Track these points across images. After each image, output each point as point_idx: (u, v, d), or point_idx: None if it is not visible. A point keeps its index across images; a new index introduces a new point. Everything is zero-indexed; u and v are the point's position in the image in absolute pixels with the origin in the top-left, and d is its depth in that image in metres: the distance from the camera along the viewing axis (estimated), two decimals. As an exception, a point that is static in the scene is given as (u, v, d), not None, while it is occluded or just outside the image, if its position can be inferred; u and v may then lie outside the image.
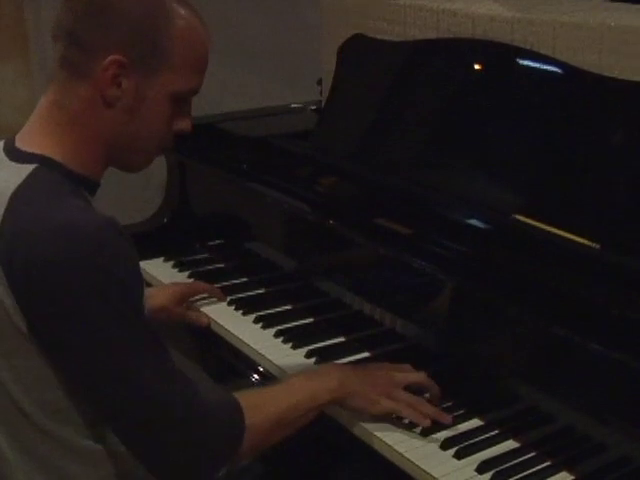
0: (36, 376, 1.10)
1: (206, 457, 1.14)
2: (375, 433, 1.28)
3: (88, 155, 1.17)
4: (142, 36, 1.12)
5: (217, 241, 1.97)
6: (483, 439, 1.28)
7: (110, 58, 1.11)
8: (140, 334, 1.09)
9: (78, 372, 1.09)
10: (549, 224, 1.35)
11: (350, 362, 1.48)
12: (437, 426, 1.29)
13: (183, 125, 1.22)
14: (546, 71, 1.49)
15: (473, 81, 1.59)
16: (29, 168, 1.13)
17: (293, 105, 2.16)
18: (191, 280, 1.82)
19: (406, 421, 1.30)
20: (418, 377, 1.34)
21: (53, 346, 1.08)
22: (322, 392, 1.26)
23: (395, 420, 1.30)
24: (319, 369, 1.31)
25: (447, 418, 1.29)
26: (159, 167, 2.03)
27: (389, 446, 1.26)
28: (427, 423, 1.28)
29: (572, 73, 1.45)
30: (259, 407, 1.20)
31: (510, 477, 1.20)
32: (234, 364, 1.57)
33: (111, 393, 1.09)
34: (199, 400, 1.13)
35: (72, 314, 1.05)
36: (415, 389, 1.33)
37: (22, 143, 1.17)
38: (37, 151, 1.15)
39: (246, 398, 1.19)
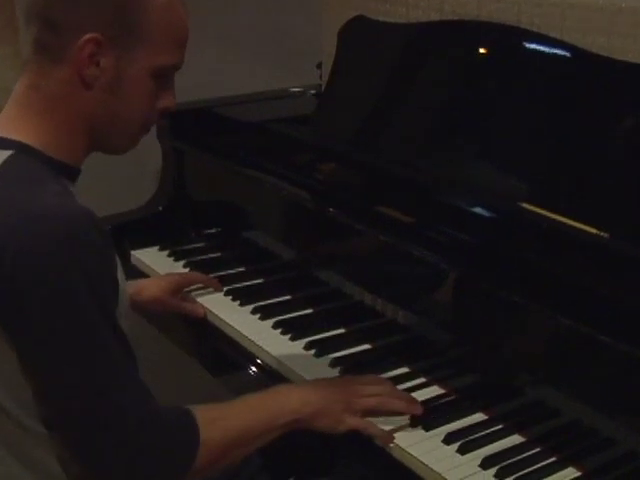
0: (9, 371, 1.08)
1: (156, 469, 1.12)
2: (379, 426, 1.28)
3: (68, 140, 1.16)
4: (117, 13, 1.12)
5: (214, 229, 1.97)
6: (487, 434, 1.27)
7: (86, 37, 1.11)
8: (103, 335, 1.08)
9: (35, 368, 1.08)
10: (557, 212, 1.34)
11: (351, 354, 1.48)
12: (440, 420, 1.29)
13: (167, 102, 1.21)
14: (554, 54, 1.49)
15: (478, 65, 1.58)
16: (4, 154, 1.12)
17: (292, 89, 2.16)
18: (187, 270, 1.82)
19: (407, 415, 1.30)
20: (381, 389, 1.32)
21: (17, 341, 1.07)
22: (283, 412, 1.23)
23: (395, 414, 1.30)
24: (278, 388, 1.29)
25: (418, 408, 1.29)
26: (154, 153, 2.03)
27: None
28: (403, 408, 1.28)
29: (581, 56, 1.45)
30: (216, 423, 1.18)
31: (515, 473, 1.20)
32: (231, 356, 1.57)
33: (61, 390, 1.07)
34: (153, 410, 1.12)
35: (33, 307, 1.04)
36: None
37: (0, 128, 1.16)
38: (14, 137, 1.14)
39: (203, 413, 1.17)
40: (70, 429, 1.10)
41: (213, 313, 1.65)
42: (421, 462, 1.22)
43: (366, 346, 1.51)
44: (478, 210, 1.42)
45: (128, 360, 1.12)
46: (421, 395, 1.36)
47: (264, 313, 1.62)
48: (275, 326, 1.58)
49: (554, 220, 1.33)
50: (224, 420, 1.20)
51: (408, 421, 1.29)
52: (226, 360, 1.59)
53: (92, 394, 1.07)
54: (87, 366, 1.07)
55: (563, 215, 1.33)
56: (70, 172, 1.18)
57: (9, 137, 1.14)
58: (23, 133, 1.14)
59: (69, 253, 1.04)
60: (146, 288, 1.63)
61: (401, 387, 1.38)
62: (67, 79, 1.13)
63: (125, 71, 1.14)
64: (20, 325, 1.06)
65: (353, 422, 1.27)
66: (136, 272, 1.83)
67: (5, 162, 1.11)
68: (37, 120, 1.15)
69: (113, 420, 1.08)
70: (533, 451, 1.24)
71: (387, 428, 1.28)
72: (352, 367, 1.44)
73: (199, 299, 1.69)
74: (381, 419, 1.29)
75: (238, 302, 1.67)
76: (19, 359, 1.07)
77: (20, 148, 1.13)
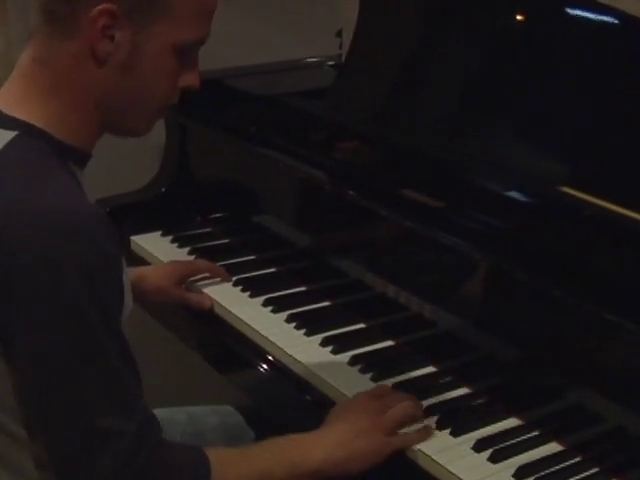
0: None
1: None
2: (398, 432, 1.28)
3: (78, 121, 1.15)
4: None
5: (222, 213, 1.97)
6: (522, 441, 1.27)
7: (99, 7, 1.08)
8: (103, 348, 1.06)
9: (22, 377, 1.07)
10: (600, 197, 1.33)
11: (372, 351, 1.48)
12: (469, 425, 1.29)
13: (190, 81, 1.19)
14: (601, 21, 1.47)
15: (515, 33, 1.57)
16: (8, 136, 1.10)
17: (309, 59, 2.16)
18: (192, 257, 1.82)
19: (433, 419, 1.30)
20: (404, 409, 1.29)
21: (8, 350, 1.06)
22: (306, 462, 1.20)
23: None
24: (302, 435, 1.24)
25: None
26: (156, 128, 2.01)
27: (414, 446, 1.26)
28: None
29: (632, 24, 1.42)
30: (230, 464, 1.17)
31: (552, 484, 1.20)
32: (240, 353, 1.57)
33: (49, 410, 1.06)
34: (156, 442, 1.10)
35: (24, 308, 1.03)
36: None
37: (3, 103, 1.15)
38: (18, 116, 1.12)
39: (216, 452, 1.16)
40: (57, 461, 1.08)
41: (220, 305, 1.65)
42: (448, 471, 1.21)
43: (388, 343, 1.51)
44: (513, 194, 1.41)
45: (131, 378, 1.10)
46: (449, 397, 1.36)
47: (277, 305, 1.62)
48: (289, 320, 1.58)
49: (598, 206, 1.32)
50: (239, 463, 1.18)
51: (434, 425, 1.29)
52: (234, 357, 1.59)
53: (86, 417, 1.05)
54: (82, 383, 1.05)
55: (608, 200, 1.32)
56: (79, 157, 1.17)
57: (13, 115, 1.13)
58: (28, 112, 1.12)
59: (69, 250, 1.03)
60: (147, 277, 1.63)
61: (427, 388, 1.38)
62: (77, 54, 1.11)
63: (143, 47, 1.11)
64: (10, 330, 1.05)
65: (394, 442, 1.25)
66: (136, 259, 1.83)
67: (9, 144, 1.10)
68: (44, 98, 1.13)
69: (110, 450, 1.06)
70: (573, 461, 1.23)
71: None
72: (373, 365, 1.43)
73: (205, 289, 1.69)
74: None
75: (248, 293, 1.67)
76: (6, 363, 1.07)
77: (25, 129, 1.11)
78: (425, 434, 1.26)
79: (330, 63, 2.10)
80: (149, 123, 1.21)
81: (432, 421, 1.29)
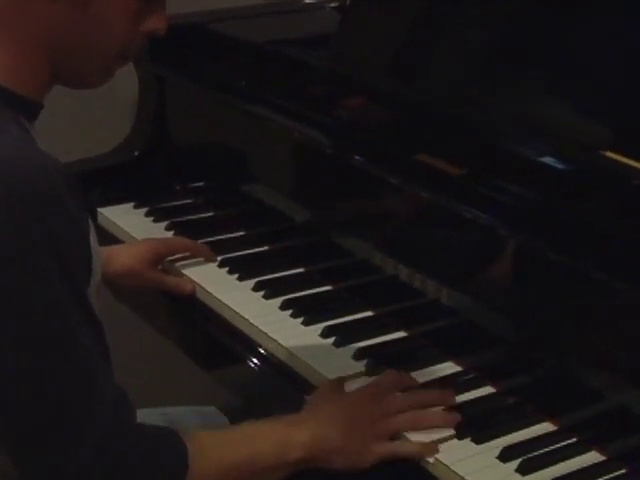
0: None
1: None
2: (413, 439, 1.29)
3: (25, 67, 1.15)
4: None
5: (205, 182, 1.98)
6: (555, 449, 1.27)
7: None
8: (70, 323, 1.08)
9: None
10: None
11: (381, 343, 1.49)
12: (494, 430, 1.29)
13: (156, 24, 1.20)
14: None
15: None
16: None
17: (308, 1, 2.16)
18: (170, 233, 1.83)
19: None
20: (409, 400, 1.33)
21: None
22: (291, 446, 1.25)
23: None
24: (286, 417, 1.30)
25: (455, 418, 1.31)
26: (128, 82, 2.02)
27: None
28: (440, 422, 1.30)
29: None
30: (210, 451, 1.20)
31: (592, 499, 1.21)
32: (227, 345, 1.57)
33: (13, 394, 1.07)
34: (131, 426, 1.13)
35: None
36: None
37: None
38: None
39: (195, 439, 1.19)
40: (23, 445, 1.10)
41: (204, 289, 1.65)
42: (470, 484, 1.23)
43: (400, 334, 1.52)
44: (548, 160, 1.40)
45: (102, 357, 1.12)
46: (470, 397, 1.37)
47: (270, 290, 1.62)
48: (284, 307, 1.58)
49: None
50: (219, 449, 1.22)
51: (453, 431, 1.30)
52: (220, 350, 1.60)
53: (53, 401, 1.07)
54: (46, 363, 1.07)
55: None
56: (29, 108, 1.17)
57: None
58: None
59: (30, 213, 1.04)
60: (117, 256, 1.64)
61: (445, 386, 1.38)
62: None
63: None
64: None
65: (380, 449, 1.28)
66: (105, 236, 1.82)
67: None
68: None
69: (79, 436, 1.08)
70: (616, 473, 1.23)
71: (426, 440, 1.28)
72: (382, 360, 1.44)
73: (185, 271, 1.70)
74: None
75: (236, 275, 1.68)
76: None
77: None
78: (428, 449, 1.27)
79: (333, 4, 2.10)
80: (105, 72, 1.22)
81: (448, 431, 1.30)
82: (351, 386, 1.38)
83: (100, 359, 1.12)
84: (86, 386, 1.09)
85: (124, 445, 1.11)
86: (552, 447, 1.27)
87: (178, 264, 1.71)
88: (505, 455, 1.25)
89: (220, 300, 1.62)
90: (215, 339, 1.60)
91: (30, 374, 1.07)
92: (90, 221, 1.17)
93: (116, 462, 1.11)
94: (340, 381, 1.38)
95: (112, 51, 1.19)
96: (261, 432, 1.26)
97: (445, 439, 1.28)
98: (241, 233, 1.82)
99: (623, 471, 1.23)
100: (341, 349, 1.48)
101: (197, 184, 1.98)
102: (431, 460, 1.25)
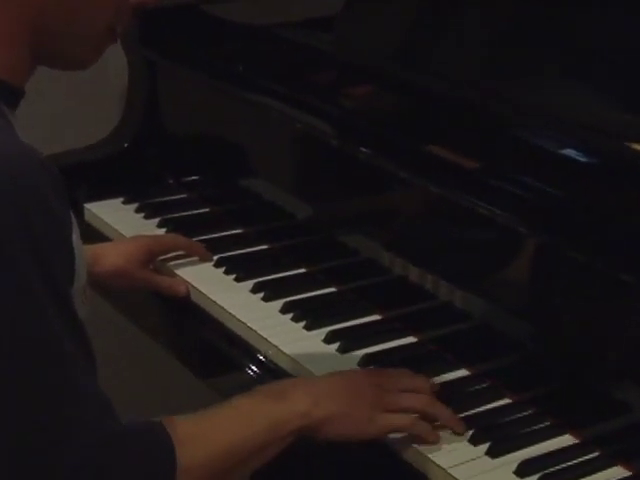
0: None
1: None
2: (422, 450, 1.28)
3: (6, 49, 1.14)
4: None
5: (200, 176, 1.99)
6: (578, 463, 1.27)
7: None
8: (51, 325, 1.07)
9: None
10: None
11: (389, 349, 1.49)
12: (511, 443, 1.29)
13: None
14: None
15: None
16: None
17: (310, -19, 2.15)
18: (162, 231, 1.83)
19: (466, 435, 1.30)
20: (420, 384, 1.35)
21: None
22: (288, 418, 1.25)
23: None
24: (280, 386, 1.32)
25: (462, 427, 1.31)
26: (118, 67, 2.01)
27: (441, 469, 1.26)
28: (448, 417, 1.31)
29: None
30: (198, 438, 1.20)
31: (620, 518, 1.21)
32: (223, 351, 1.57)
33: None
34: (114, 429, 1.13)
35: None
36: None
37: None
38: None
39: (181, 428, 1.18)
40: (5, 453, 1.09)
41: (198, 291, 1.65)
42: (485, 502, 1.23)
43: (410, 339, 1.52)
44: (569, 152, 1.40)
45: (84, 360, 1.12)
46: (486, 407, 1.37)
47: (269, 292, 1.62)
48: (285, 310, 1.58)
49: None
50: (208, 434, 1.22)
51: (467, 444, 1.29)
52: (216, 356, 1.60)
53: (32, 407, 1.07)
54: (26, 368, 1.06)
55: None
56: (10, 94, 1.17)
57: None
58: None
59: (7, 206, 1.03)
60: (105, 255, 1.64)
61: (458, 395, 1.38)
62: None
63: None
64: None
65: (387, 420, 1.29)
66: (92, 233, 1.84)
67: None
68: None
69: (61, 442, 1.08)
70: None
71: (435, 448, 1.28)
72: (390, 367, 1.43)
73: (179, 271, 1.70)
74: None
75: (233, 276, 1.68)
76: None
77: None
78: (432, 434, 1.29)
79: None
80: (94, 50, 1.22)
81: (463, 437, 1.30)
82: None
83: (82, 365, 1.11)
84: (68, 392, 1.09)
85: (108, 453, 1.12)
86: (573, 461, 1.27)
87: (171, 263, 1.72)
88: (522, 470, 1.25)
89: (216, 302, 1.62)
90: (211, 344, 1.60)
91: (10, 379, 1.06)
92: (74, 219, 1.16)
93: (101, 470, 1.11)
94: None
95: (101, 25, 1.19)
96: (253, 407, 1.27)
97: (459, 452, 1.28)
98: (239, 231, 1.83)
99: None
100: (346, 355, 1.48)
101: (191, 178, 1.99)
102: (444, 465, 1.25)
